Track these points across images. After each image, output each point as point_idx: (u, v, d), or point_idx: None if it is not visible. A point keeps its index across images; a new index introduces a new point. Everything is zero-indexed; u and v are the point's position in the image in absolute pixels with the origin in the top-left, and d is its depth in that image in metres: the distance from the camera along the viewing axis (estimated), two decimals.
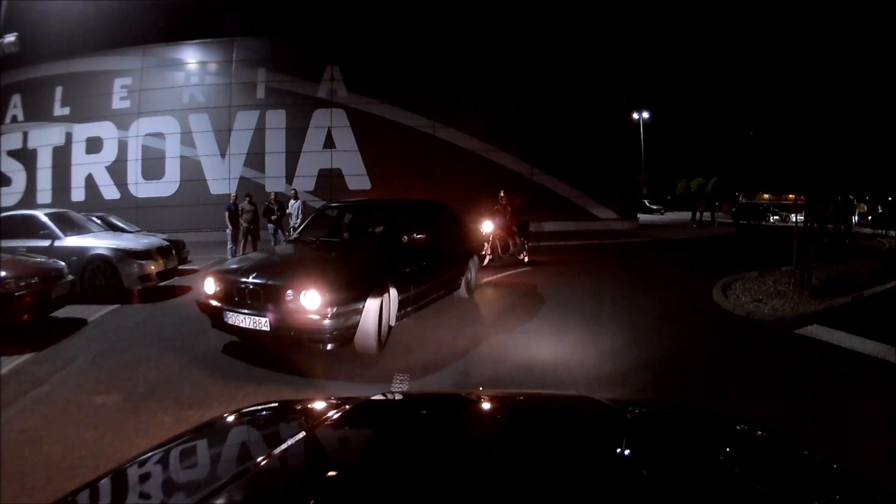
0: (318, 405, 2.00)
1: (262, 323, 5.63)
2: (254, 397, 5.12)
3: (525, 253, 14.45)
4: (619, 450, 1.58)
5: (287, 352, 6.11)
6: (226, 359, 6.35)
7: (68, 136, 27.30)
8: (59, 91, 27.40)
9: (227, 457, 1.60)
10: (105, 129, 27.00)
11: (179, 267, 12.52)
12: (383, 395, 2.26)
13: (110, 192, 26.58)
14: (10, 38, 16.31)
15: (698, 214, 34.47)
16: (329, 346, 5.61)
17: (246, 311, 5.79)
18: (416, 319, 7.31)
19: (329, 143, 25.68)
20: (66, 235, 11.17)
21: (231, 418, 1.97)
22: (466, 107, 25.34)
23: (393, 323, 6.47)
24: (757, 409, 4.72)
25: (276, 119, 26.03)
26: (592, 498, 1.19)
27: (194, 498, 1.16)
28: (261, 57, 26.78)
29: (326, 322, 5.42)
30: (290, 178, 25.38)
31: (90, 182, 26.88)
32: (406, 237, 7.43)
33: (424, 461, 1.45)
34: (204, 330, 7.12)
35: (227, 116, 26.39)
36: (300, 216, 16.83)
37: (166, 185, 26.51)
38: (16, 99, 26.91)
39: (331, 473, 1.39)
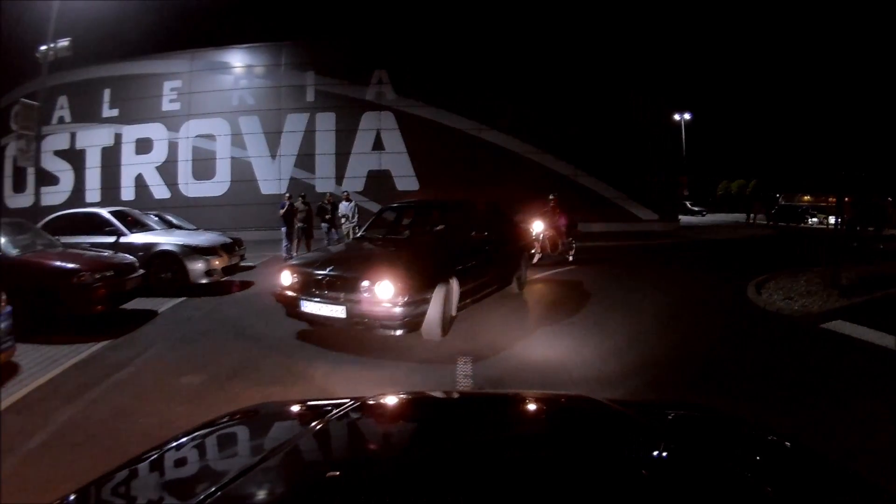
0: (319, 405, 2.02)
1: (339, 311, 6.15)
2: (332, 375, 5.67)
3: (572, 252, 14.86)
4: (618, 450, 1.59)
5: (357, 337, 6.61)
6: (299, 343, 6.91)
7: (117, 136, 28.24)
8: (106, 93, 28.39)
9: (227, 457, 1.63)
10: (155, 131, 27.90)
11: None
12: (384, 395, 2.21)
13: (160, 191, 27.52)
14: (64, 42, 17.42)
15: (752, 216, 34.59)
16: (399, 332, 6.10)
17: (322, 300, 6.33)
18: (472, 311, 7.74)
19: (378, 145, 26.18)
20: (130, 232, 11.71)
21: (231, 419, 1.97)
22: (511, 109, 25.54)
23: (454, 313, 6.93)
24: (773, 392, 5.13)
25: (326, 121, 26.60)
26: (592, 498, 1.20)
27: (194, 498, 1.19)
28: (310, 61, 27.30)
29: (398, 310, 5.91)
30: (339, 178, 25.93)
31: (140, 181, 27.84)
32: (464, 235, 7.96)
33: (425, 461, 1.48)
34: (273, 320, 7.76)
35: (278, 119, 27.04)
36: (356, 215, 17.41)
37: (217, 185, 27.38)
38: (62, 100, 27.75)
39: (331, 474, 1.42)
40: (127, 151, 28.12)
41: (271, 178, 26.75)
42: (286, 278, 6.85)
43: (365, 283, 6.03)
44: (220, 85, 28.03)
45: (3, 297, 5.79)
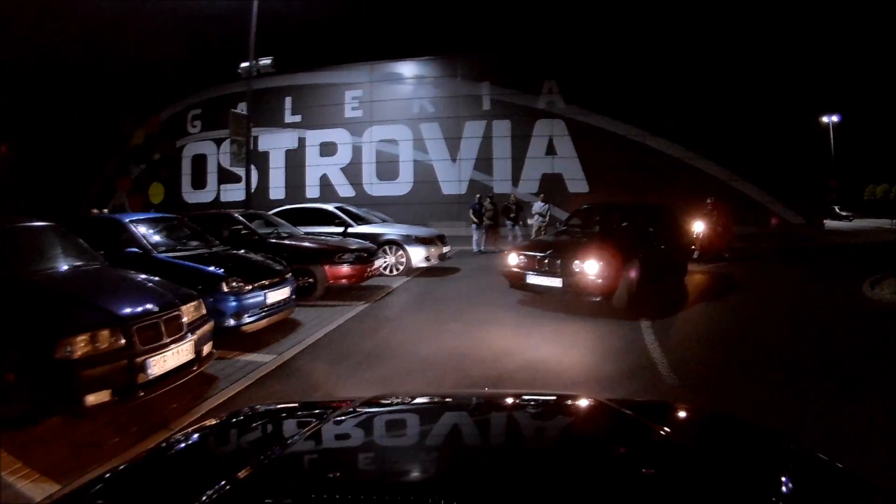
0: (319, 406, 2.06)
1: (556, 282, 8.74)
2: (554, 325, 8.12)
3: (727, 250, 16.29)
4: (619, 450, 1.63)
5: (565, 302, 9.10)
6: (521, 306, 9.51)
7: (301, 140, 31.32)
8: (288, 101, 31.46)
9: (227, 457, 1.65)
10: (338, 135, 30.76)
11: None
12: (384, 395, 2.23)
13: (345, 190, 30.20)
14: (267, 60, 18.85)
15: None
16: (597, 299, 8.58)
17: (543, 274, 8.94)
18: (645, 290, 9.73)
19: (550, 151, 27.68)
20: (356, 224, 13.91)
21: (231, 419, 1.99)
22: (673, 117, 25.85)
23: (634, 289, 9.16)
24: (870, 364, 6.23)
25: (502, 128, 28.44)
26: (592, 498, 1.20)
27: (194, 498, 1.21)
28: (484, 72, 28.90)
29: (599, 282, 8.38)
30: (515, 180, 27.77)
31: (325, 181, 30.82)
32: (642, 231, 10.28)
33: (425, 461, 1.53)
34: (492, 293, 10.45)
35: (457, 125, 28.98)
36: (549, 213, 19.35)
37: (400, 186, 29.77)
38: (241, 107, 29.63)
39: (331, 474, 1.42)
40: (311, 154, 31.26)
41: (452, 180, 29.12)
42: (513, 259, 9.54)
43: (577, 262, 8.55)
44: (400, 94, 30.24)
45: (288, 267, 8.34)
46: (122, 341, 4.69)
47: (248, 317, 7.31)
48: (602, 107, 26.99)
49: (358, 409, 1.93)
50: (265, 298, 7.58)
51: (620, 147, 26.66)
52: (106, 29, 32.15)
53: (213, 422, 2.00)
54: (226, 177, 31.64)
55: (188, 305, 5.57)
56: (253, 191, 26.65)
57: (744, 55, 25.42)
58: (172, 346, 5.12)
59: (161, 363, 4.96)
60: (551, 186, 26.19)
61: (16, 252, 5.76)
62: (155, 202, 33.87)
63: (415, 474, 1.43)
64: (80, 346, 4.45)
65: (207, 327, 5.83)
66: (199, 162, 33.55)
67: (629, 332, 7.71)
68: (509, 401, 2.23)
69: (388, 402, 2.20)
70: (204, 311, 5.93)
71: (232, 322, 7.09)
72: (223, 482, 1.26)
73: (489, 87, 28.92)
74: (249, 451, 1.65)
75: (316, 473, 1.45)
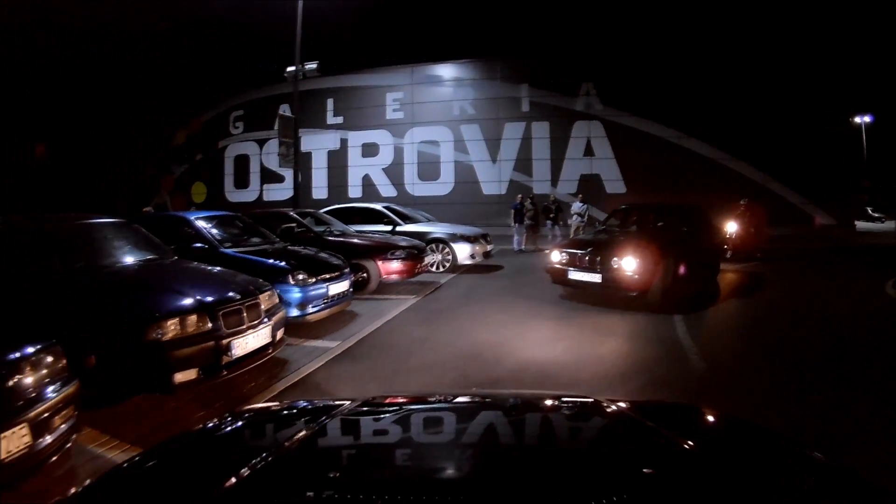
0: (319, 406, 2.06)
1: (596, 277, 9.45)
2: (594, 317, 8.82)
3: (760, 251, 16.73)
4: (620, 450, 1.62)
5: (603, 296, 9.72)
6: (563, 301, 10.22)
7: (343, 141, 32.32)
8: (330, 102, 32.48)
9: (228, 458, 1.60)
10: (380, 136, 31.74)
11: None
12: (384, 395, 2.24)
13: (387, 190, 31.09)
14: (312, 65, 19.56)
15: None
16: (634, 294, 9.26)
17: (584, 270, 9.66)
18: (678, 286, 10.31)
19: (588, 152, 28.35)
20: (404, 223, 14.40)
21: (231, 419, 1.99)
22: (706, 119, 26.18)
23: (668, 286, 9.71)
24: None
25: (541, 130, 29.18)
26: (592, 499, 1.18)
27: (194, 498, 1.24)
28: (523, 75, 29.61)
29: (636, 277, 9.07)
30: (554, 181, 28.44)
31: (367, 181, 31.75)
32: (677, 230, 10.94)
33: (425, 462, 1.54)
34: (534, 288, 11.11)
35: (496, 127, 29.79)
36: (587, 213, 20.03)
37: (442, 186, 30.65)
38: (283, 108, 29.08)
39: (331, 474, 1.43)
40: (353, 154, 32.19)
41: (492, 181, 29.81)
42: (556, 256, 10.27)
43: (615, 259, 9.26)
44: (441, 96, 31.17)
45: (346, 263, 9.04)
46: (209, 325, 5.18)
47: (312, 307, 7.88)
48: (638, 108, 27.49)
49: (358, 409, 1.94)
50: (327, 290, 8.16)
51: (656, 148, 27.13)
52: (144, 32, 33.60)
53: (213, 422, 1.98)
54: (268, 177, 33.40)
55: (265, 294, 6.13)
56: (293, 190, 27.57)
57: (777, 57, 25.63)
58: (252, 330, 5.64)
59: (243, 345, 5.48)
60: (589, 187, 26.71)
61: (96, 245, 6.20)
62: (197, 201, 35.09)
63: (415, 474, 1.43)
64: (171, 328, 4.92)
65: (281, 314, 6.38)
66: (242, 162, 34.78)
67: (662, 323, 8.35)
68: (509, 401, 2.22)
69: (389, 402, 2.21)
70: (277, 300, 6.48)
71: (297, 312, 7.63)
72: (223, 482, 1.27)
73: (528, 89, 29.62)
74: (249, 451, 1.60)
75: (316, 473, 1.42)
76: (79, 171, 35.52)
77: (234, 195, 34.36)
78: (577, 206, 20.33)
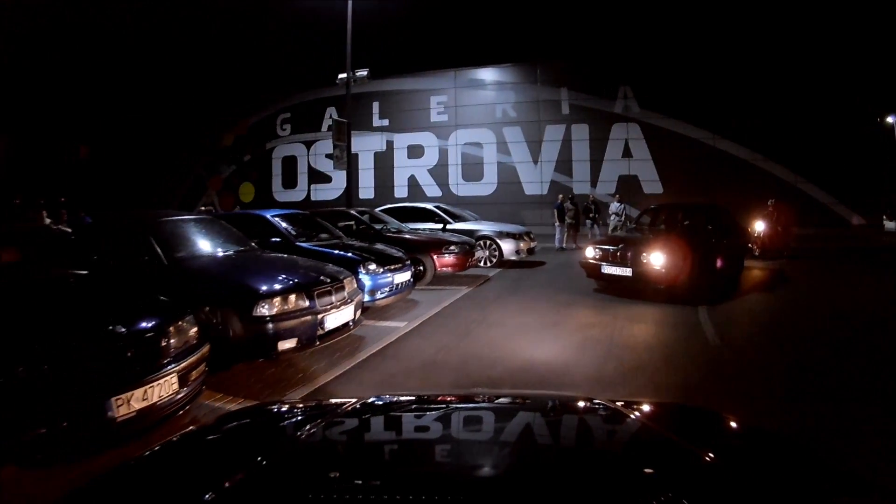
0: (319, 406, 2.12)
1: (627, 271, 10.50)
2: (624, 307, 9.84)
3: (787, 250, 17.10)
4: (620, 451, 1.65)
5: (634, 289, 10.68)
6: (597, 293, 11.19)
7: (389, 143, 33.32)
8: (375, 105, 33.35)
9: (227, 458, 1.60)
10: (425, 138, 32.70)
11: None
12: (384, 395, 2.19)
13: (432, 190, 31.99)
14: (363, 73, 20.15)
15: None
16: (662, 287, 10.28)
17: (616, 265, 10.75)
18: (703, 281, 11.14)
19: (626, 153, 28.95)
20: (453, 221, 15.40)
21: (231, 419, 2.01)
22: (740, 121, 26.55)
23: (694, 279, 10.46)
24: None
25: (580, 132, 29.84)
26: (592, 499, 1.21)
27: (194, 498, 1.23)
28: (562, 78, 30.43)
29: (664, 271, 10.12)
30: (594, 182, 29.08)
31: (413, 182, 32.74)
32: (703, 228, 11.94)
33: (425, 462, 1.55)
34: (573, 283, 11.93)
35: (537, 129, 30.59)
36: (624, 212, 21.15)
37: (485, 186, 31.46)
38: (330, 111, 31.69)
39: (331, 474, 1.43)
40: (399, 156, 33.23)
41: (534, 181, 30.64)
42: (590, 252, 11.36)
43: (645, 254, 10.32)
44: (483, 100, 31.92)
45: (407, 256, 10.11)
46: (307, 303, 6.17)
47: (380, 293, 8.83)
48: (674, 111, 28.07)
49: (358, 409, 1.94)
50: (392, 279, 9.10)
51: (692, 149, 27.73)
52: (192, 35, 35.28)
53: (213, 422, 2.00)
54: (315, 177, 34.82)
55: (348, 279, 7.19)
56: (343, 191, 29.10)
57: (809, 59, 25.95)
58: (338, 309, 6.63)
59: (332, 321, 6.50)
60: (628, 187, 27.49)
61: (193, 237, 7.11)
62: (245, 201, 36.39)
63: (414, 474, 1.42)
64: (277, 304, 5.89)
65: (360, 297, 7.47)
66: (290, 163, 35.98)
67: (687, 312, 9.30)
68: (509, 402, 2.24)
69: (389, 402, 2.19)
70: (356, 285, 7.52)
71: (368, 298, 8.45)
72: (223, 482, 1.28)
73: (567, 92, 30.39)
74: (249, 450, 1.60)
75: (315, 473, 1.43)
76: (126, 172, 36.76)
77: (282, 195, 35.45)
78: (614, 206, 21.53)
